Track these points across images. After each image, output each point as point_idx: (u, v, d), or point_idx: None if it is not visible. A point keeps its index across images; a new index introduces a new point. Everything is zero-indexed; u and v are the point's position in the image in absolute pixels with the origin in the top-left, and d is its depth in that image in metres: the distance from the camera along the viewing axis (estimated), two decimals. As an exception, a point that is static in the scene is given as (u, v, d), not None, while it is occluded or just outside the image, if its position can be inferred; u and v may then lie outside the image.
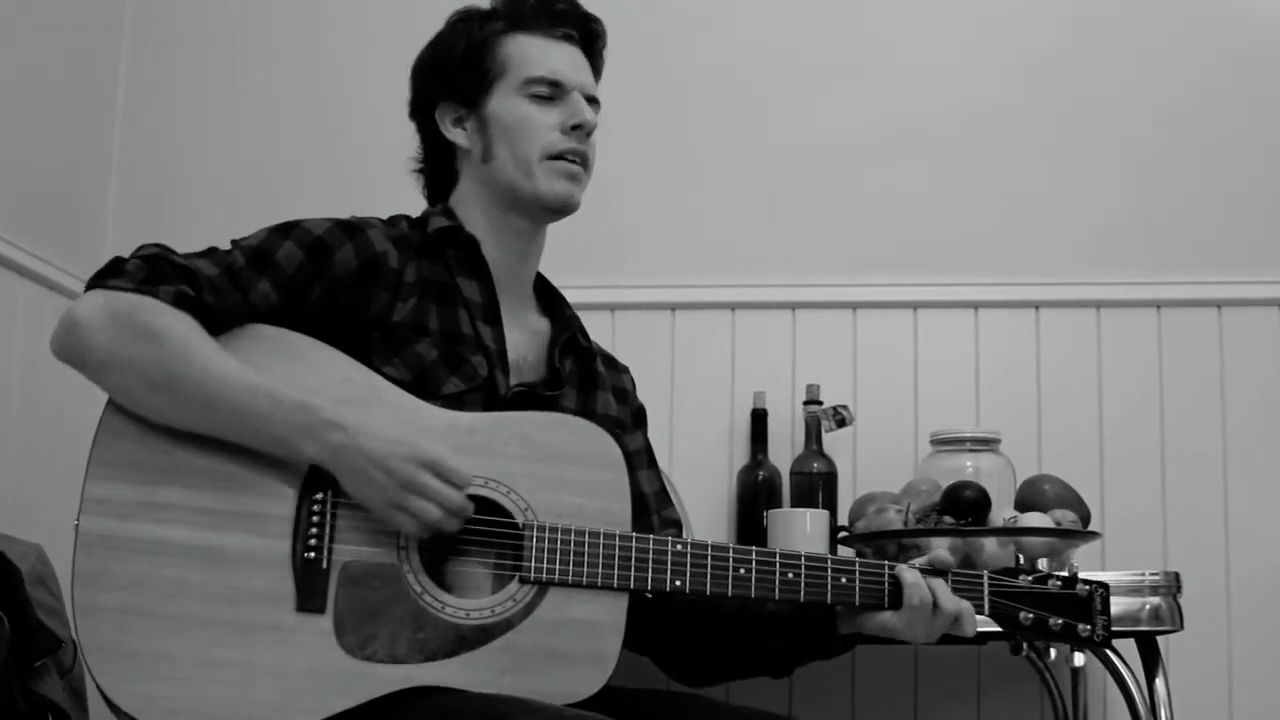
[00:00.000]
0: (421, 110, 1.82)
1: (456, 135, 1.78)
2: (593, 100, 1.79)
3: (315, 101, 2.94)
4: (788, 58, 2.89)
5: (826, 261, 2.83)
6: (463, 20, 1.80)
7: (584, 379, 1.80)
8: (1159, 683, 2.22)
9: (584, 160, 1.76)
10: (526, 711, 1.43)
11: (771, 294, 2.81)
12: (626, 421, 1.83)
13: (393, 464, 1.49)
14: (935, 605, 1.61)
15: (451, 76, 1.78)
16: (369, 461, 1.49)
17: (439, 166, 1.82)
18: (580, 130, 1.75)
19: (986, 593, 1.65)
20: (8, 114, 2.53)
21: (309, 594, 1.50)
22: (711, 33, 2.92)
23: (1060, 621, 1.65)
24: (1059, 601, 1.66)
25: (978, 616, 1.65)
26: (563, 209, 1.77)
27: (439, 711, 1.46)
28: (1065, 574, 1.67)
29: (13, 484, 2.48)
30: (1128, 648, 2.23)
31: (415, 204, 1.85)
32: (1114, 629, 2.12)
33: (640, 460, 1.83)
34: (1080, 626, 1.65)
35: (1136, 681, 2.20)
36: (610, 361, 1.89)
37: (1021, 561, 2.17)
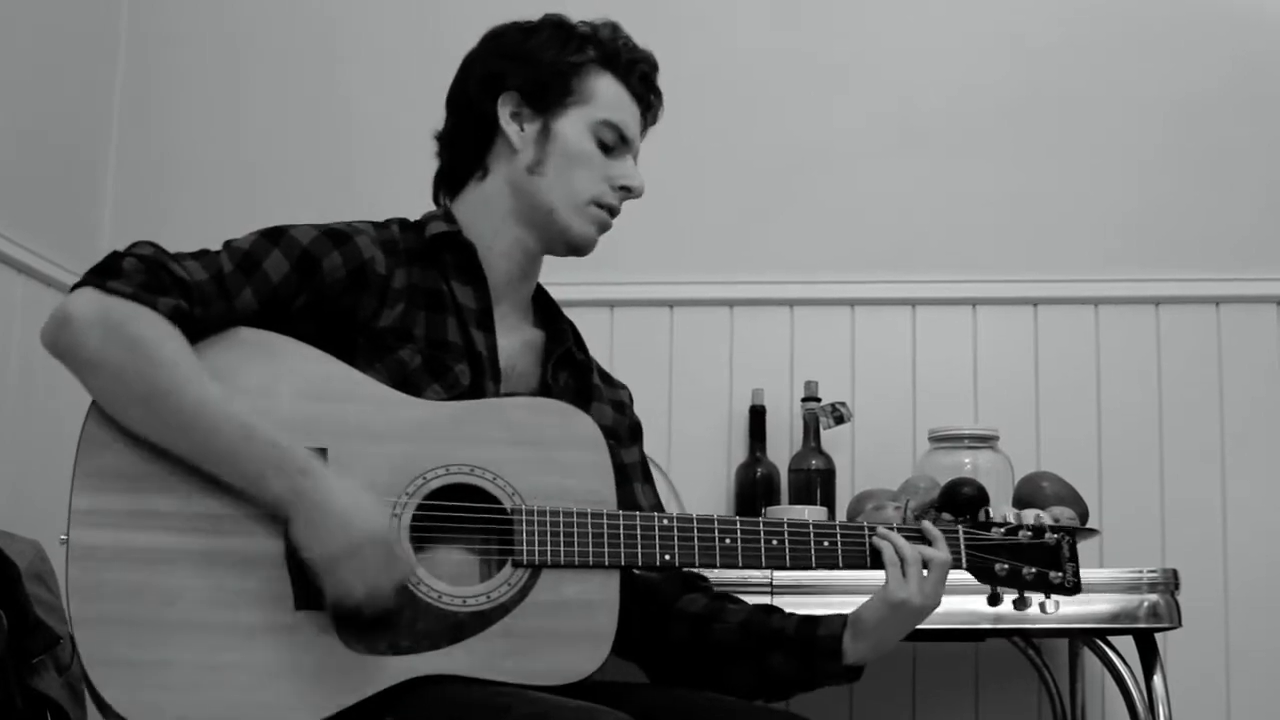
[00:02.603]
0: (488, 85, 1.76)
1: (510, 129, 1.74)
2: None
3: (314, 97, 2.93)
4: (786, 55, 2.89)
5: (825, 258, 2.82)
6: (562, 27, 1.78)
7: (578, 392, 1.79)
8: (1157, 680, 2.22)
9: (614, 217, 1.79)
10: (528, 701, 1.44)
11: (770, 291, 2.81)
12: (622, 434, 1.83)
13: (346, 528, 1.48)
14: (902, 559, 1.64)
15: (536, 73, 1.75)
16: (326, 516, 1.48)
17: (469, 149, 1.78)
18: (627, 194, 1.77)
19: (963, 546, 1.70)
20: (6, 110, 2.53)
21: (307, 591, 1.50)
22: (709, 29, 2.91)
23: (1033, 570, 1.71)
24: (1031, 551, 1.71)
25: (959, 572, 1.69)
26: (580, 250, 1.78)
27: (442, 701, 1.47)
28: (1034, 524, 1.74)
29: (10, 480, 2.48)
30: (1126, 645, 2.23)
31: (415, 203, 1.83)
32: (1112, 626, 2.16)
33: (635, 474, 1.83)
34: (1052, 574, 1.71)
35: (1134, 678, 2.20)
36: (607, 378, 1.88)
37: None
